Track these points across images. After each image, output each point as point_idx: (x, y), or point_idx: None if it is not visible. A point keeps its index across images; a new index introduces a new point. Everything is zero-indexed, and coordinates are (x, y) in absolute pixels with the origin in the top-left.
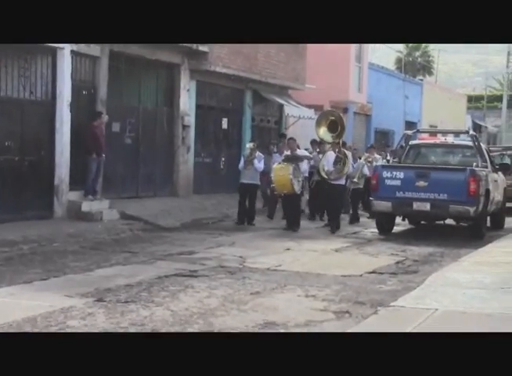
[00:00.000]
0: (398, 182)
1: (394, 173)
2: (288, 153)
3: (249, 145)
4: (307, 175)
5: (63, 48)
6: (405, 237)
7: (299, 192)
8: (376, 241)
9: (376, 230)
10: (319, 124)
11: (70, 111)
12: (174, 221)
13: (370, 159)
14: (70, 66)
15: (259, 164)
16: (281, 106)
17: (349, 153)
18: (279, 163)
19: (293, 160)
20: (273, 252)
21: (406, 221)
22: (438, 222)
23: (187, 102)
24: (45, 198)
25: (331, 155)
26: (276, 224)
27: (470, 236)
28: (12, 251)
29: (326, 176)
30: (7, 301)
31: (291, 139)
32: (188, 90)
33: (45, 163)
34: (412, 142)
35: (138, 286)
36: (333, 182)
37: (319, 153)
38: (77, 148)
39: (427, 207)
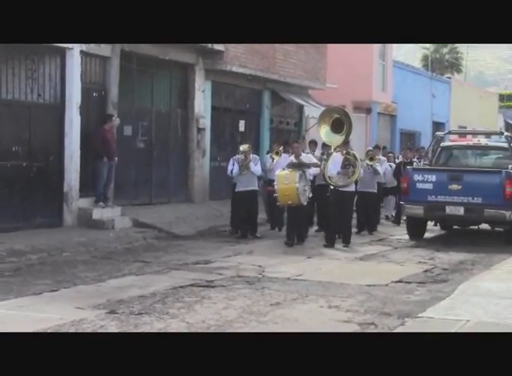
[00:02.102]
0: (429, 186)
1: (426, 176)
2: (292, 158)
3: (243, 147)
4: (311, 178)
5: (71, 49)
6: (434, 244)
7: (305, 203)
8: (403, 248)
9: (402, 237)
10: (320, 124)
11: (80, 114)
12: (189, 228)
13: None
14: (80, 67)
15: (256, 168)
16: (301, 107)
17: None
18: (283, 169)
19: (299, 166)
20: (293, 261)
21: (438, 226)
22: (471, 227)
23: (202, 103)
24: (54, 205)
25: (337, 157)
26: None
27: (505, 242)
28: (21, 261)
29: (331, 182)
30: (15, 313)
31: (295, 142)
32: (203, 91)
33: (53, 169)
34: (443, 143)
35: (152, 297)
36: (342, 190)
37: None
38: (87, 153)
39: (460, 211)
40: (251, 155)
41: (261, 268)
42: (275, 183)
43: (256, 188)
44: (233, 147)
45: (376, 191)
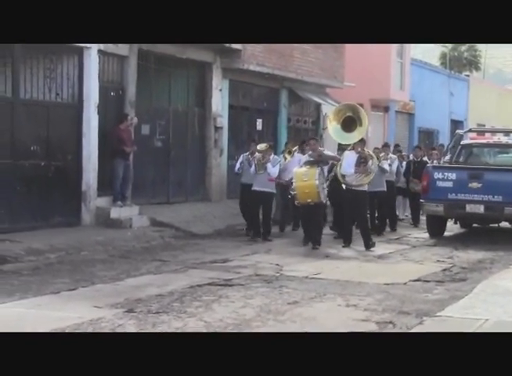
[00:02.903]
0: (450, 184)
1: (446, 174)
2: (310, 154)
3: (260, 146)
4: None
5: (89, 48)
6: (453, 242)
7: (325, 201)
8: (421, 247)
9: (420, 236)
10: (330, 121)
11: (98, 113)
12: (206, 227)
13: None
14: (97, 66)
15: (273, 169)
16: (318, 106)
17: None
18: (301, 166)
19: (317, 163)
20: (311, 259)
21: (458, 224)
22: (491, 226)
23: (219, 102)
24: (73, 205)
25: (351, 156)
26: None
27: None
28: (39, 260)
29: (345, 182)
30: (34, 312)
31: (312, 139)
32: (220, 90)
33: (72, 168)
34: (463, 141)
35: (169, 296)
36: (355, 189)
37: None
38: (104, 152)
39: (480, 209)
40: (272, 156)
41: (278, 266)
42: (293, 181)
43: (273, 190)
44: (251, 146)
45: (385, 189)
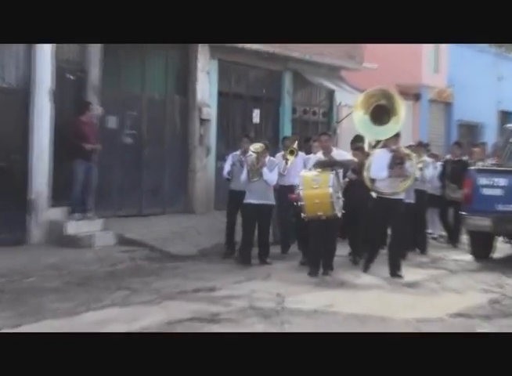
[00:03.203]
0: (499, 192)
1: (495, 179)
2: (320, 155)
3: (254, 147)
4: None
5: None
6: (504, 267)
7: (340, 214)
8: (462, 272)
9: (461, 258)
10: (357, 110)
11: (52, 102)
12: (189, 247)
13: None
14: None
15: (271, 175)
16: (331, 93)
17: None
18: (310, 169)
19: (331, 165)
20: (321, 288)
21: (510, 243)
22: None
23: (206, 88)
24: (18, 217)
25: (383, 155)
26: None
27: None
28: None
29: (376, 189)
30: None
31: (324, 134)
32: (207, 72)
33: (17, 170)
34: None
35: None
36: (390, 198)
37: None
38: (60, 151)
39: None
40: (267, 158)
41: (280, 297)
42: (299, 188)
43: (272, 202)
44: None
45: (413, 201)
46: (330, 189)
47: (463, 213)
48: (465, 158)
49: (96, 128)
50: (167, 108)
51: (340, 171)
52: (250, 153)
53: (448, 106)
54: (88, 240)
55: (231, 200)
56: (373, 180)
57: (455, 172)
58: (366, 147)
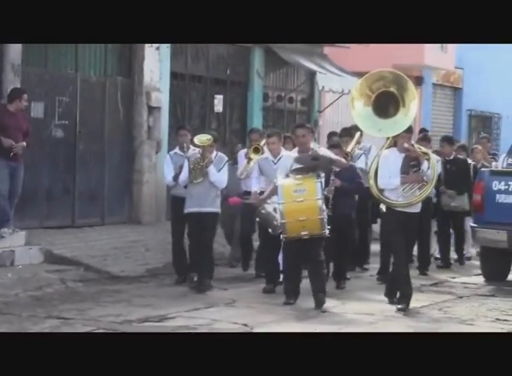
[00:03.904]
0: None
1: None
2: (295, 154)
3: (199, 139)
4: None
5: None
6: None
7: (327, 232)
8: (472, 298)
9: (470, 280)
10: (355, 98)
11: None
12: (134, 265)
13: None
14: None
15: (219, 175)
16: (312, 75)
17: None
18: (287, 175)
19: (314, 169)
20: (298, 316)
21: None
22: None
23: (156, 68)
24: None
25: (393, 157)
26: None
27: None
28: None
29: (387, 200)
30: None
31: (301, 126)
32: (157, 48)
33: None
34: None
35: None
36: (403, 211)
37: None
38: None
39: None
40: (215, 153)
41: (247, 328)
42: (279, 201)
43: (216, 209)
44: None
45: (418, 211)
46: (319, 202)
47: (474, 225)
48: (462, 156)
49: (27, 123)
50: (106, 93)
51: (322, 178)
52: (193, 148)
53: (456, 91)
54: (8, 258)
55: (175, 209)
56: (381, 190)
57: (450, 174)
58: (350, 147)
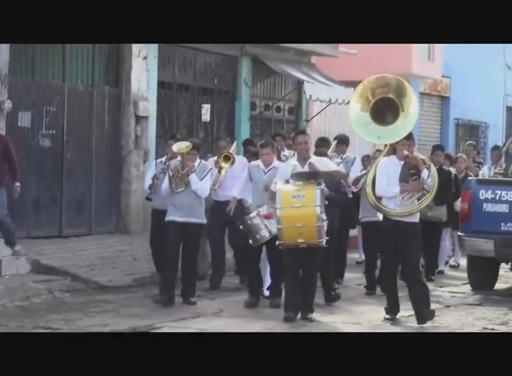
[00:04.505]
0: (504, 208)
1: (499, 192)
2: (295, 162)
3: (178, 146)
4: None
5: None
6: (509, 300)
7: (325, 242)
8: (459, 307)
9: (457, 289)
10: (357, 98)
11: None
12: (121, 275)
13: None
14: None
15: (201, 184)
16: (300, 84)
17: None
18: (287, 181)
19: (314, 177)
20: (288, 327)
21: None
22: None
23: (143, 78)
24: None
25: (392, 165)
26: None
27: None
28: None
29: (385, 209)
30: None
31: (301, 133)
32: (145, 58)
33: None
34: None
35: None
36: (402, 221)
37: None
38: None
39: None
40: (198, 162)
41: None
42: (276, 207)
43: (201, 220)
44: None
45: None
46: (318, 210)
47: (461, 234)
48: (446, 168)
49: (3, 142)
50: (94, 102)
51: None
52: (177, 153)
53: (444, 100)
54: None
55: (155, 223)
56: (378, 198)
57: None
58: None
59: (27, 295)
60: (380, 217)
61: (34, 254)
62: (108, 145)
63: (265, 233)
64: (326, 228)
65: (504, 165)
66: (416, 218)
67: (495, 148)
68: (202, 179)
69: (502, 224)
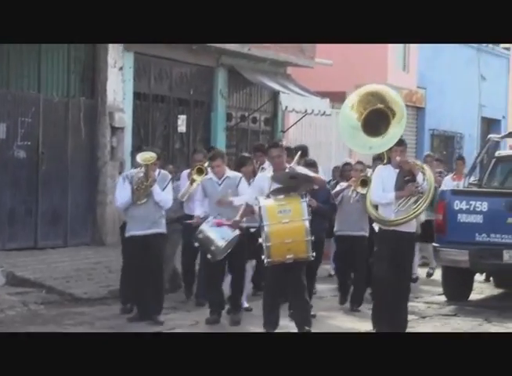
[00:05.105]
0: (479, 219)
1: (473, 203)
2: (270, 173)
3: (142, 157)
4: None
5: None
6: (483, 311)
7: (312, 256)
8: (434, 318)
9: (433, 299)
10: (353, 106)
11: None
12: (96, 287)
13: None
14: None
15: (164, 195)
16: (275, 95)
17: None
18: (268, 196)
19: (296, 189)
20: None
21: (492, 282)
22: None
23: (119, 88)
24: None
25: (387, 172)
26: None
27: None
28: None
29: (381, 218)
30: None
31: (274, 146)
32: (120, 69)
33: None
34: (500, 152)
35: None
36: (398, 230)
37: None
38: None
39: None
40: (158, 171)
41: None
42: (263, 223)
43: (162, 230)
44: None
45: (367, 234)
46: (306, 224)
47: (436, 245)
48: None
49: None
50: (69, 113)
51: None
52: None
53: (419, 111)
54: None
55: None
56: (375, 207)
57: None
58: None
59: (2, 308)
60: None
61: (9, 267)
62: (84, 156)
63: (218, 243)
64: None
65: (466, 175)
66: (412, 228)
67: (460, 158)
68: (164, 189)
69: (477, 234)
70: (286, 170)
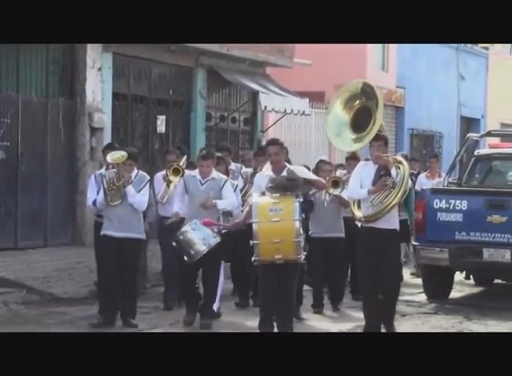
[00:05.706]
0: (458, 217)
1: (453, 202)
2: (270, 173)
3: (113, 157)
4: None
5: None
6: (464, 309)
7: (303, 258)
8: (415, 316)
9: (413, 298)
10: (341, 102)
11: None
12: (77, 287)
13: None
14: None
15: (139, 196)
16: (255, 95)
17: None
18: (263, 194)
19: (292, 188)
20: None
21: (471, 280)
22: None
23: (98, 89)
24: None
25: (366, 169)
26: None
27: None
28: None
29: (357, 215)
30: None
31: (272, 143)
32: (99, 69)
33: None
34: (479, 151)
35: None
36: (377, 227)
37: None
38: None
39: (505, 256)
40: (135, 172)
41: None
42: (253, 221)
43: (139, 236)
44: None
45: (343, 235)
46: (297, 224)
47: (416, 244)
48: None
49: None
50: (48, 114)
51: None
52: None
53: (398, 111)
54: None
55: (98, 236)
56: (355, 203)
57: None
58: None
59: None
60: (335, 233)
61: None
62: (63, 156)
63: (199, 248)
64: (303, 243)
65: (446, 173)
66: (392, 225)
67: (433, 156)
68: (139, 191)
69: (457, 233)
70: (285, 171)
